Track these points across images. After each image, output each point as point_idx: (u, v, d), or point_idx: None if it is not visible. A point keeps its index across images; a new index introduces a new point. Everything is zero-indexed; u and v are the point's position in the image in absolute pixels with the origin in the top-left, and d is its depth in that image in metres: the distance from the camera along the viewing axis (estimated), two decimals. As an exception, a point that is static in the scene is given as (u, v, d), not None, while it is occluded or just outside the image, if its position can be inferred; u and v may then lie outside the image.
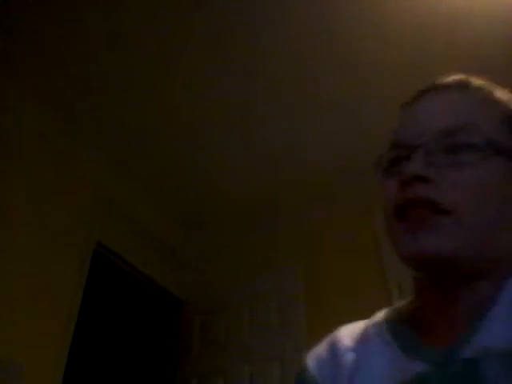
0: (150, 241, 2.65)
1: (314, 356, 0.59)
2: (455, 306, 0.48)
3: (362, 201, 2.38)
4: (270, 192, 2.57)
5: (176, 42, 1.82)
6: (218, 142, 2.27)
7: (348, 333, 0.59)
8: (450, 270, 0.47)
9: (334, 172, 2.41)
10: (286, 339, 2.31)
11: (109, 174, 2.38)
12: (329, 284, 2.41)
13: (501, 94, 0.53)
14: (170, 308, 2.79)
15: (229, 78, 1.96)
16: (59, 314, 1.88)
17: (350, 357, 0.54)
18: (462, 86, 0.52)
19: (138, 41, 1.81)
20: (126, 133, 2.22)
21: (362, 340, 0.55)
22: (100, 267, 2.31)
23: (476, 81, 0.53)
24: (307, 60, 1.90)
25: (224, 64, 1.91)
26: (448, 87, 0.53)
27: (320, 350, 0.60)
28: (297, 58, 1.89)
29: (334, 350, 0.57)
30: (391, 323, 0.54)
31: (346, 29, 1.78)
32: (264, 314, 2.45)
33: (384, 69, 1.91)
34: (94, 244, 2.19)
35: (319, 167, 2.41)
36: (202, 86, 2.00)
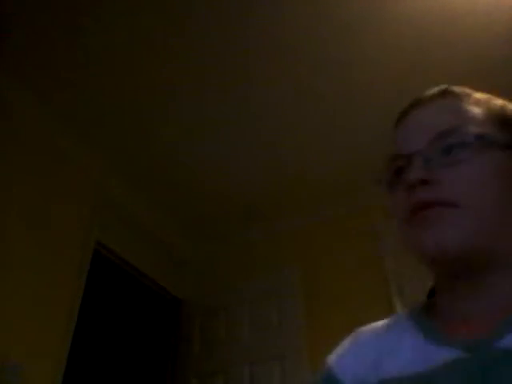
0: (149, 241, 2.65)
1: (336, 355, 0.60)
2: (481, 299, 0.49)
3: (362, 202, 2.38)
4: (271, 192, 2.57)
5: (176, 41, 1.82)
6: (218, 143, 2.27)
7: (369, 329, 0.60)
8: (472, 259, 0.49)
9: (335, 173, 2.41)
10: (285, 339, 2.32)
11: (109, 174, 2.38)
12: (328, 284, 2.41)
13: (479, 95, 0.57)
14: (169, 308, 2.79)
15: (229, 78, 1.96)
16: (59, 314, 1.88)
17: (373, 347, 0.56)
18: (444, 95, 0.57)
19: (138, 40, 1.81)
20: (126, 133, 2.22)
21: (385, 333, 0.57)
22: (100, 267, 2.31)
23: (456, 88, 0.58)
24: (307, 61, 1.89)
25: (224, 64, 1.91)
26: (432, 98, 0.57)
27: (341, 348, 0.61)
28: (296, 59, 1.89)
29: (357, 344, 0.59)
30: (414, 316, 0.56)
31: (346, 29, 1.78)
32: (264, 314, 2.45)
33: (384, 69, 1.91)
34: (94, 244, 2.19)
35: (319, 168, 2.41)
36: (202, 87, 2.00)
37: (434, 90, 0.58)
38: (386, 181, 0.56)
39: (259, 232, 2.78)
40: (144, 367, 2.80)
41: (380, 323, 0.60)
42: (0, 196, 1.77)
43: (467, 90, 0.58)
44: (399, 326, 0.56)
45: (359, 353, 0.57)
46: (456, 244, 0.47)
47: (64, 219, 2.04)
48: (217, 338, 2.53)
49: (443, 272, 0.53)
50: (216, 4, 1.69)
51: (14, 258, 1.74)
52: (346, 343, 0.61)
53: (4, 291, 1.66)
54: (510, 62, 1.87)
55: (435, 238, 0.48)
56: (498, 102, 0.57)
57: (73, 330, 1.92)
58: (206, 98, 2.05)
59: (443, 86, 0.58)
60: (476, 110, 0.54)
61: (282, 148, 2.31)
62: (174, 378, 2.56)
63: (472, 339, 0.46)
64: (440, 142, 0.51)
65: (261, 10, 1.71)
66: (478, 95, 0.57)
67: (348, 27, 1.77)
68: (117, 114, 2.12)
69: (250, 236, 2.80)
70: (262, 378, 2.29)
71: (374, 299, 2.17)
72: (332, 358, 0.60)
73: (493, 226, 0.49)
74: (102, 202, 2.30)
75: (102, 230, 2.25)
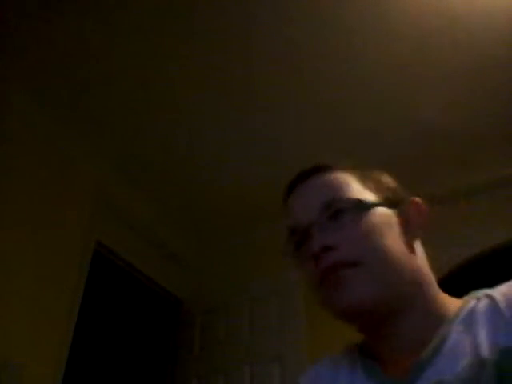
0: (150, 241, 2.65)
1: (305, 375, 0.69)
2: (398, 341, 0.55)
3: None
4: (271, 192, 2.56)
5: (176, 41, 1.82)
6: (218, 143, 2.27)
7: (329, 361, 0.67)
8: (381, 310, 0.55)
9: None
10: (285, 339, 2.31)
11: (109, 174, 2.38)
12: (329, 284, 2.41)
13: (348, 165, 0.66)
14: (169, 308, 2.79)
15: (229, 79, 1.96)
16: (59, 314, 1.88)
17: (327, 378, 0.63)
18: (321, 170, 0.65)
19: (137, 41, 1.81)
20: (126, 133, 2.21)
21: (339, 366, 0.63)
22: (100, 267, 2.31)
23: (328, 163, 0.66)
24: (307, 61, 1.89)
25: (224, 66, 1.91)
26: (310, 174, 0.65)
27: (309, 371, 0.69)
28: (296, 61, 1.89)
29: (318, 372, 0.67)
30: (360, 354, 0.62)
31: (345, 30, 1.78)
32: (264, 314, 2.45)
33: (384, 70, 1.91)
34: (94, 244, 2.19)
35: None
36: (202, 85, 2.00)
37: (311, 166, 0.66)
38: (290, 253, 0.63)
39: (260, 232, 2.77)
40: (144, 367, 2.80)
41: (337, 356, 0.67)
42: (0, 196, 1.77)
43: (338, 163, 0.66)
44: (347, 365, 0.62)
45: (320, 378, 0.65)
46: (364, 299, 0.53)
47: (64, 219, 2.04)
48: (217, 338, 2.53)
49: (357, 322, 0.59)
50: (218, 5, 1.69)
51: (14, 258, 1.74)
52: (311, 370, 0.69)
53: (4, 291, 1.66)
54: (510, 62, 1.87)
55: (345, 298, 0.54)
56: (363, 169, 0.65)
57: (73, 330, 1.92)
58: (207, 98, 2.05)
59: (318, 163, 0.66)
60: (349, 179, 0.62)
61: (285, 148, 2.31)
62: (174, 377, 2.56)
63: (400, 380, 0.52)
64: (328, 210, 0.59)
65: (260, 6, 1.71)
66: (346, 165, 0.65)
67: (348, 27, 1.77)
68: (117, 114, 2.12)
69: (250, 236, 2.80)
70: (262, 379, 2.29)
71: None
72: (302, 381, 0.68)
73: (394, 275, 0.55)
74: (102, 202, 2.30)
75: (102, 230, 2.25)
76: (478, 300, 0.54)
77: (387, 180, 0.65)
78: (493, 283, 0.56)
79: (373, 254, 0.55)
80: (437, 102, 2.03)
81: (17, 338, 1.66)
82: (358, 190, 0.61)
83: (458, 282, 1.89)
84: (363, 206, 0.58)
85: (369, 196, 0.60)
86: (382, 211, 0.59)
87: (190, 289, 2.80)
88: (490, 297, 0.52)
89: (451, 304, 0.57)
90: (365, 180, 0.63)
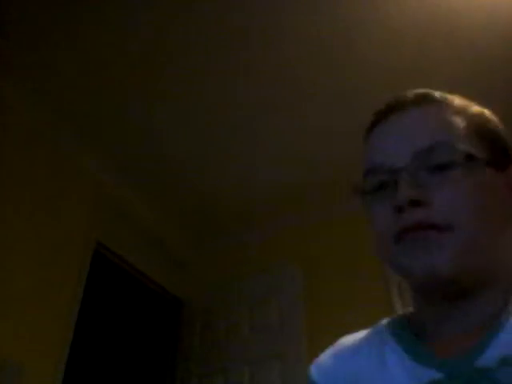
0: (150, 241, 2.65)
1: (318, 364, 0.60)
2: (465, 317, 0.49)
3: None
4: (270, 192, 2.57)
5: (178, 41, 1.82)
6: (217, 143, 2.27)
7: (351, 342, 0.59)
8: (462, 283, 0.48)
9: (335, 173, 2.40)
10: (285, 339, 2.31)
11: (109, 174, 2.38)
12: (328, 284, 2.41)
13: (459, 102, 0.55)
14: (170, 308, 2.79)
15: (229, 80, 1.96)
16: (59, 314, 1.88)
17: (352, 366, 0.55)
18: (426, 101, 0.53)
19: (137, 41, 1.81)
20: (127, 133, 2.21)
21: (367, 348, 0.55)
22: (100, 267, 2.31)
23: (436, 94, 0.55)
24: (307, 62, 1.89)
25: (225, 66, 1.91)
26: (413, 104, 0.54)
27: (323, 358, 0.60)
28: (296, 60, 1.89)
29: (337, 358, 0.58)
30: (397, 332, 0.54)
31: (345, 30, 1.78)
32: (264, 313, 2.45)
33: (384, 70, 1.91)
34: (94, 244, 2.19)
35: (319, 168, 2.41)
36: (201, 87, 2.00)
37: (413, 93, 0.55)
38: (366, 193, 0.54)
39: (259, 232, 2.78)
40: (144, 367, 2.80)
41: (360, 335, 0.59)
42: (0, 196, 1.77)
43: (447, 96, 0.55)
44: (380, 341, 0.54)
45: (340, 368, 0.56)
46: (448, 269, 0.46)
47: (64, 219, 2.04)
48: (217, 337, 2.53)
49: (430, 293, 0.51)
50: (217, 6, 1.69)
51: (14, 257, 1.74)
52: (326, 356, 0.60)
53: (4, 291, 1.66)
54: (510, 62, 1.87)
55: (427, 263, 0.47)
56: (476, 110, 0.55)
57: (73, 329, 1.92)
58: (206, 100, 2.05)
59: (423, 91, 0.55)
60: (459, 122, 0.52)
61: (282, 148, 2.31)
62: (174, 377, 2.56)
63: (454, 359, 0.46)
64: (426, 157, 0.49)
65: (260, 12, 1.71)
66: (458, 102, 0.55)
67: (348, 27, 1.77)
68: (117, 114, 2.12)
69: (250, 236, 2.80)
70: (262, 378, 2.29)
71: (373, 299, 2.17)
72: (314, 371, 0.59)
73: (484, 247, 0.49)
74: (102, 202, 2.30)
75: (102, 230, 2.26)
76: None
77: (502, 133, 0.54)
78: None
79: (472, 222, 0.47)
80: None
81: (17, 338, 1.66)
82: (469, 138, 0.50)
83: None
84: (474, 164, 0.48)
85: (480, 150, 0.50)
86: (492, 172, 0.50)
87: (190, 289, 2.80)
88: None
89: None
90: (477, 128, 0.52)
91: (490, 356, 0.43)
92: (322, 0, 1.68)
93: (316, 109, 2.11)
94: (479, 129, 0.52)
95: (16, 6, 1.66)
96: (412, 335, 0.52)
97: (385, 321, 0.59)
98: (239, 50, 1.85)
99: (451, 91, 0.58)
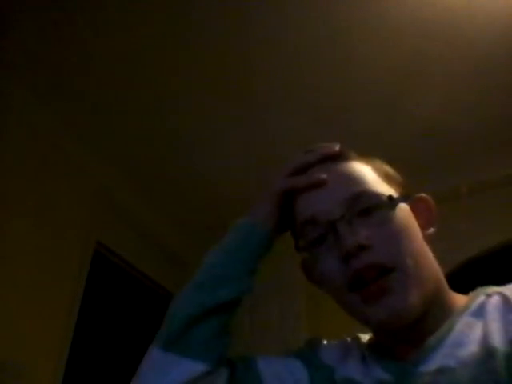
0: (150, 241, 2.65)
1: (313, 341, 0.70)
2: (418, 335, 0.53)
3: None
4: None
5: (177, 44, 1.82)
6: (217, 143, 2.27)
7: (338, 342, 0.66)
8: (419, 314, 0.52)
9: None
10: (285, 339, 2.31)
11: (109, 174, 2.38)
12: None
13: (362, 157, 0.61)
14: (170, 308, 2.79)
15: (228, 78, 1.96)
16: (59, 314, 1.88)
17: (330, 357, 0.62)
18: (342, 158, 0.60)
19: (137, 41, 1.81)
20: (126, 133, 2.21)
21: (349, 350, 0.62)
22: (100, 267, 2.31)
23: (344, 150, 0.61)
24: (306, 62, 1.89)
25: (224, 67, 1.91)
26: (330, 160, 0.59)
27: (319, 340, 0.70)
28: (296, 61, 1.88)
29: (329, 345, 0.66)
30: (369, 343, 0.61)
31: (345, 30, 1.77)
32: (264, 313, 2.45)
33: (384, 70, 1.91)
34: (94, 244, 2.19)
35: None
36: (201, 89, 2.00)
37: (332, 148, 0.60)
38: (305, 247, 0.59)
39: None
40: (144, 367, 2.79)
41: (342, 341, 0.66)
42: (0, 196, 1.77)
43: (352, 153, 0.61)
44: (349, 345, 0.63)
45: (329, 350, 0.64)
46: (411, 308, 0.50)
47: (64, 219, 2.04)
48: (217, 337, 2.53)
49: (393, 332, 0.54)
50: (217, 8, 1.69)
51: (14, 257, 1.74)
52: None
53: (4, 291, 1.66)
54: (510, 62, 1.87)
55: (387, 308, 0.50)
56: (374, 160, 0.62)
57: (73, 329, 1.92)
58: (207, 99, 2.05)
59: (335, 147, 0.60)
60: (371, 172, 0.58)
61: (282, 148, 2.31)
62: (174, 377, 2.55)
63: (403, 363, 0.52)
64: (356, 205, 0.54)
65: (257, 10, 1.71)
66: (361, 157, 0.61)
67: (348, 27, 1.77)
68: (117, 114, 2.12)
69: (250, 236, 2.80)
70: (262, 378, 2.28)
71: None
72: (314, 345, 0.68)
73: (426, 275, 0.53)
74: (102, 202, 2.30)
75: (102, 230, 2.26)
76: (487, 296, 0.54)
77: (395, 173, 0.62)
78: (491, 282, 0.57)
79: (408, 257, 0.52)
80: (436, 102, 2.02)
81: (17, 338, 1.66)
82: (381, 184, 0.57)
83: (457, 279, 1.89)
84: (393, 203, 0.54)
85: (392, 191, 0.57)
86: (405, 208, 0.57)
87: (190, 289, 2.79)
88: (501, 294, 0.53)
89: (458, 298, 0.57)
90: (381, 173, 0.59)
91: (428, 366, 0.50)
92: (322, 0, 1.68)
93: (315, 109, 2.11)
94: (385, 174, 0.60)
95: (16, 6, 1.66)
96: (379, 345, 0.58)
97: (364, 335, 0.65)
98: (239, 47, 1.85)
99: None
